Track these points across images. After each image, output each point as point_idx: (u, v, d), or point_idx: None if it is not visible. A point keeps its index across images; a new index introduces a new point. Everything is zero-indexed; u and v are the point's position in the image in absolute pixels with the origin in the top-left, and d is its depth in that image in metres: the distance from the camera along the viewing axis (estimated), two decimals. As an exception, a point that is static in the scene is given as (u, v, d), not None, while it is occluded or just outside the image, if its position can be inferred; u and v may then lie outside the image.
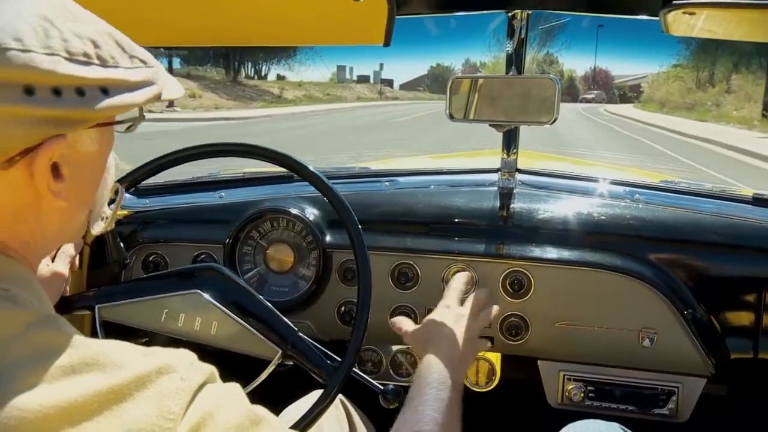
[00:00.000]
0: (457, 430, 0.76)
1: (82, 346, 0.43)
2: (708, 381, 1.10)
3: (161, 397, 0.42)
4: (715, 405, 1.14)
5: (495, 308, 1.00)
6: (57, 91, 0.42)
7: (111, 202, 0.80)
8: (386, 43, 0.98)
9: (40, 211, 0.49)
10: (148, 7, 0.94)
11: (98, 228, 0.59)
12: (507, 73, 1.13)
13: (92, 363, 0.42)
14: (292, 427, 0.81)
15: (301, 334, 0.89)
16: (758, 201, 1.21)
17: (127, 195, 1.23)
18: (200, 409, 0.44)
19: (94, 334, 0.94)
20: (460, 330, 0.90)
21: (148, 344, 0.87)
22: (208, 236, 1.17)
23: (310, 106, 30.52)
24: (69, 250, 0.94)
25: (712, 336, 1.10)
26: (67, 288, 0.91)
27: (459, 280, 1.01)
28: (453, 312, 0.93)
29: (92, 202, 0.57)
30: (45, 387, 0.40)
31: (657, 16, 0.90)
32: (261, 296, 0.92)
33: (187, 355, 0.48)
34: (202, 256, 1.15)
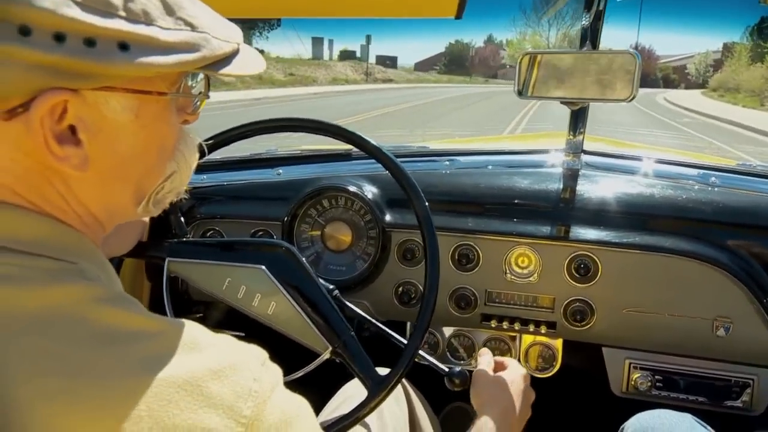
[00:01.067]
0: None
1: (154, 329, 0.42)
2: None
3: (236, 396, 0.41)
4: None
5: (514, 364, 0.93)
6: (59, 37, 0.38)
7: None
8: (458, 16, 0.98)
9: (63, 178, 0.45)
10: None
11: (142, 214, 0.53)
12: (581, 48, 1.10)
13: (165, 348, 0.41)
14: (333, 424, 0.80)
15: (353, 334, 0.86)
16: None
17: None
18: (272, 418, 0.42)
19: (158, 285, 0.97)
20: (519, 396, 0.84)
21: (201, 319, 0.84)
22: (265, 213, 1.17)
23: (242, 92, 20.64)
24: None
25: None
26: (145, 234, 0.91)
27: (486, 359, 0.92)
28: (514, 375, 0.87)
29: (139, 182, 0.51)
30: (117, 372, 0.38)
31: None
32: (323, 287, 0.88)
33: (259, 353, 0.46)
34: (260, 233, 1.14)
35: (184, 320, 0.45)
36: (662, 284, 1.08)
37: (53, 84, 0.40)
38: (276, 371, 0.46)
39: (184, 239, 1.02)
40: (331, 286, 0.92)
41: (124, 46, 0.40)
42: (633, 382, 1.13)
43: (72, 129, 0.43)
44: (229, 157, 1.35)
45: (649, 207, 1.13)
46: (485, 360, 0.92)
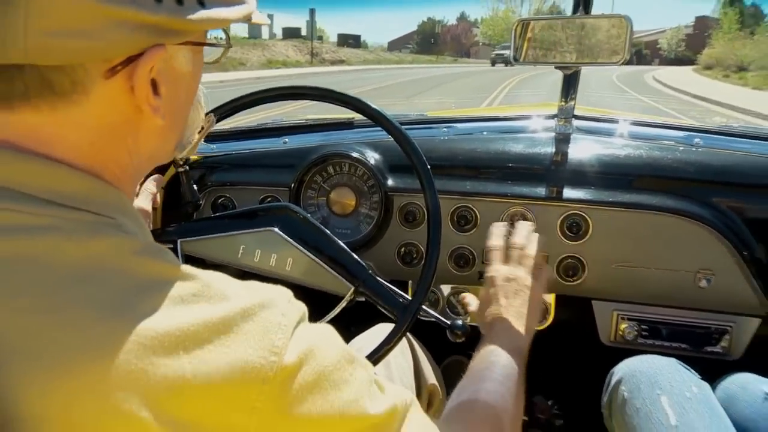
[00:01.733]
0: (518, 400, 0.73)
1: (188, 277, 0.44)
2: (762, 322, 1.13)
3: (266, 331, 0.43)
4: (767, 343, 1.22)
5: (540, 254, 0.92)
6: None
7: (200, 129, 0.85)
8: None
9: (139, 130, 0.48)
10: None
11: (183, 152, 0.59)
12: (574, 13, 1.10)
13: (199, 294, 0.43)
14: (370, 354, 0.81)
15: (371, 272, 0.90)
16: None
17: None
18: (301, 345, 0.45)
19: None
20: (514, 293, 0.84)
21: None
22: (273, 180, 1.20)
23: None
24: (151, 187, 0.97)
25: None
26: (150, 223, 0.94)
27: (495, 237, 0.89)
28: (501, 273, 0.86)
29: (184, 125, 0.57)
30: (158, 315, 0.40)
31: None
32: (332, 236, 0.93)
33: (284, 292, 0.49)
34: (269, 199, 1.17)
35: (212, 270, 0.48)
36: (649, 240, 1.13)
37: (155, 41, 0.43)
38: (301, 306, 0.49)
39: (192, 220, 1.07)
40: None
41: (201, 2, 0.45)
42: (620, 332, 1.18)
43: (154, 84, 0.46)
44: (237, 127, 1.39)
45: (636, 168, 1.16)
46: (517, 251, 0.87)
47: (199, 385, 0.40)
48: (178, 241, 0.92)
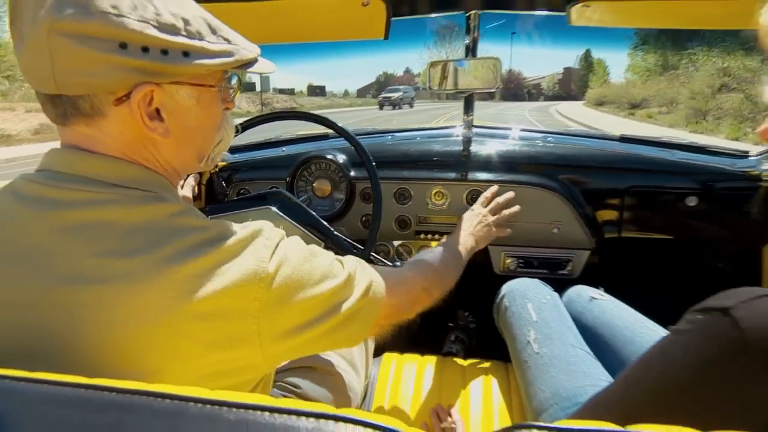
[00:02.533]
0: (449, 271, 0.89)
1: (204, 224, 0.50)
2: (591, 252, 1.33)
3: (256, 249, 0.50)
4: (595, 266, 1.34)
5: (515, 208, 1.21)
6: (145, 49, 0.46)
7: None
8: (386, 37, 1.14)
9: (154, 143, 0.52)
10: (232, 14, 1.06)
11: (203, 167, 0.63)
12: (466, 56, 1.29)
13: (214, 235, 0.49)
14: None
15: (336, 232, 1.08)
16: (623, 139, 1.46)
17: (226, 152, 1.48)
18: (280, 253, 0.51)
19: None
20: (476, 220, 1.09)
21: None
22: (276, 175, 1.40)
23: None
24: (191, 182, 1.13)
25: (595, 224, 1.32)
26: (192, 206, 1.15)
27: (489, 191, 1.21)
28: (475, 211, 1.13)
29: (202, 146, 0.58)
30: (187, 251, 0.46)
31: (564, 11, 1.03)
32: (310, 210, 1.09)
33: (267, 223, 0.55)
34: (273, 188, 1.30)
35: (221, 220, 0.54)
36: (522, 204, 1.29)
37: (143, 80, 0.47)
38: (281, 231, 0.55)
39: (218, 201, 1.26)
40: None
41: (186, 54, 0.48)
42: (506, 265, 1.38)
43: (157, 111, 0.50)
44: (252, 142, 1.60)
45: (513, 157, 1.35)
46: (484, 197, 1.21)
47: (217, 290, 0.46)
48: (209, 216, 1.04)
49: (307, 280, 0.53)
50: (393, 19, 1.10)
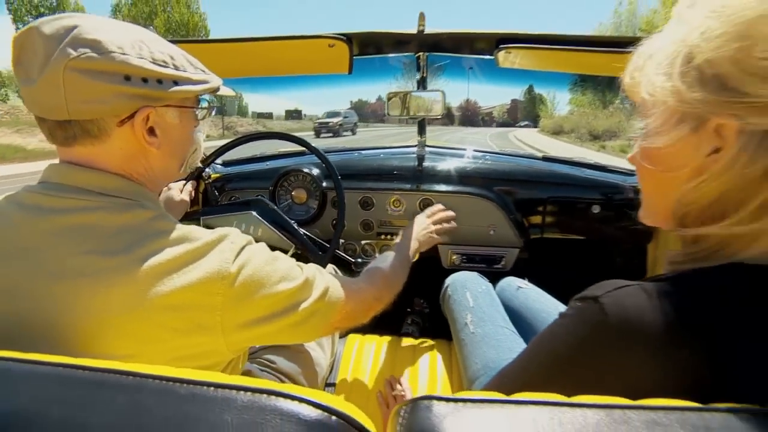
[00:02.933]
0: (398, 277, 0.90)
1: (177, 229, 0.52)
2: (519, 250, 1.42)
3: (221, 251, 0.52)
4: (523, 261, 1.44)
5: (453, 224, 1.22)
6: (145, 80, 0.51)
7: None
8: (349, 72, 1.20)
9: (147, 156, 0.56)
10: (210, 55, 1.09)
11: (182, 173, 0.66)
12: (418, 89, 1.38)
13: (184, 237, 0.51)
14: None
15: (305, 238, 1.13)
16: (545, 159, 1.60)
17: (219, 165, 1.58)
18: (244, 256, 0.53)
19: None
20: (421, 227, 1.12)
21: None
22: (261, 185, 1.45)
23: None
24: (189, 188, 1.16)
25: (522, 227, 1.41)
26: (189, 208, 1.14)
27: (435, 206, 1.22)
28: (421, 219, 1.15)
29: (182, 156, 0.62)
30: (161, 251, 0.49)
31: (493, 54, 1.10)
32: (286, 216, 1.14)
33: (234, 229, 0.56)
34: (258, 195, 1.36)
35: (194, 225, 0.56)
36: (465, 210, 1.37)
37: (144, 104, 0.52)
38: (247, 237, 0.57)
39: (211, 206, 1.31)
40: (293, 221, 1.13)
41: (176, 82, 0.53)
42: (452, 260, 1.46)
43: (151, 129, 0.54)
44: (241, 157, 1.66)
45: (459, 172, 1.43)
46: (431, 209, 1.19)
47: (184, 285, 0.48)
48: (201, 218, 1.15)
49: (267, 281, 0.54)
50: (356, 57, 1.15)
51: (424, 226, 1.13)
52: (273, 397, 0.31)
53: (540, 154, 1.64)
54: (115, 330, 0.47)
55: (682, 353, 0.37)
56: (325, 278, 0.64)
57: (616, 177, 1.50)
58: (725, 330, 0.36)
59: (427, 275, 1.40)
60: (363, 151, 1.68)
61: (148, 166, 0.57)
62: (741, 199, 0.39)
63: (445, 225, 1.20)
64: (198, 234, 0.53)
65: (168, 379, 0.33)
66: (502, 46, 1.04)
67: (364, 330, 1.23)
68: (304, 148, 1.26)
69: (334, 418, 0.30)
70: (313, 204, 1.46)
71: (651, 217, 0.49)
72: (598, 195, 1.40)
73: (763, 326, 0.36)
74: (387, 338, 1.16)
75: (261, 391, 0.32)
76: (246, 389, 0.32)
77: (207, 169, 1.39)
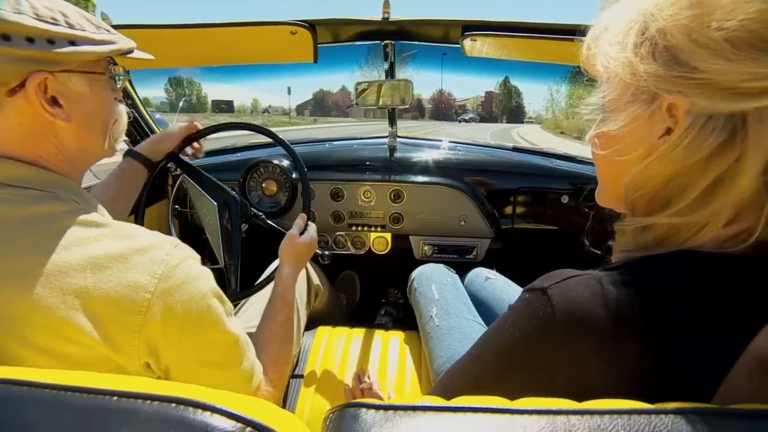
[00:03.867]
0: (288, 341, 0.78)
1: (100, 223, 0.46)
2: (491, 240, 1.43)
3: (152, 263, 0.46)
4: (495, 251, 1.45)
5: (312, 228, 0.99)
6: (30, 39, 0.44)
7: (187, 145, 0.95)
8: (315, 60, 1.13)
9: (55, 131, 0.49)
10: (169, 40, 1.06)
11: (108, 150, 0.59)
12: (386, 78, 1.34)
13: (107, 234, 0.46)
14: (257, 284, 0.94)
15: (236, 264, 1.04)
16: (515, 149, 1.61)
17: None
18: (179, 275, 0.47)
19: (181, 221, 1.26)
20: (290, 247, 0.93)
21: (203, 240, 0.98)
22: (231, 177, 1.41)
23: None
24: (196, 145, 1.05)
25: (493, 218, 1.42)
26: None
27: (301, 219, 0.98)
28: (288, 240, 0.93)
29: (102, 129, 0.55)
30: (74, 247, 0.44)
31: (458, 43, 1.07)
32: (240, 230, 1.08)
33: (173, 240, 0.49)
34: (230, 186, 1.25)
35: (127, 222, 0.49)
36: (436, 201, 1.38)
37: (34, 69, 0.45)
38: (185, 249, 0.50)
39: (179, 198, 1.23)
40: (261, 215, 1.10)
41: (72, 42, 0.47)
42: (424, 251, 1.47)
43: (54, 99, 0.48)
44: (212, 149, 1.62)
45: (430, 163, 1.43)
46: (296, 224, 0.94)
47: (98, 296, 0.42)
48: (183, 175, 1.09)
49: (198, 314, 0.50)
50: (320, 45, 1.10)
51: (293, 244, 0.94)
52: (182, 406, 0.28)
53: (509, 145, 1.65)
54: (28, 332, 0.43)
55: (627, 347, 0.35)
56: (250, 353, 0.60)
57: (586, 168, 1.51)
58: (669, 323, 0.35)
59: (399, 266, 1.40)
60: (334, 142, 1.66)
61: (59, 144, 0.50)
62: (685, 186, 0.37)
63: (315, 237, 1.01)
64: (128, 232, 0.47)
65: (62, 388, 0.29)
66: (467, 33, 1.01)
67: (334, 322, 1.24)
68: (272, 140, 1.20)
69: (249, 430, 0.27)
70: (283, 196, 1.44)
71: (604, 200, 0.48)
72: (567, 185, 1.41)
73: (706, 319, 0.35)
74: (357, 330, 1.16)
75: (169, 400, 0.28)
76: (152, 398, 0.28)
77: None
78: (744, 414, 0.27)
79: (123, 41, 0.54)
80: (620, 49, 0.39)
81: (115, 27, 0.60)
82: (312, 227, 0.97)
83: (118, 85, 0.57)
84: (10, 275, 0.42)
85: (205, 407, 0.28)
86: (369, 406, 0.30)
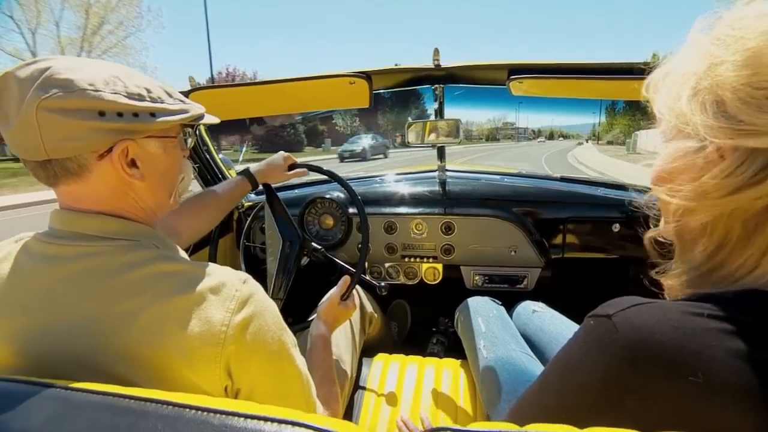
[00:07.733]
0: (334, 383, 0.80)
1: (184, 271, 0.50)
2: (541, 269, 1.41)
3: (224, 300, 0.49)
4: (545, 281, 1.43)
5: (356, 297, 1.02)
6: (120, 114, 0.49)
7: (259, 193, 1.08)
8: (370, 105, 1.18)
9: (133, 189, 0.54)
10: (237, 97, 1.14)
11: (173, 203, 0.63)
12: (436, 117, 1.36)
13: (191, 279, 0.50)
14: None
15: (284, 295, 1.08)
16: (563, 179, 1.57)
17: (252, 194, 1.54)
18: (248, 310, 0.50)
19: (245, 253, 1.29)
20: (325, 306, 0.96)
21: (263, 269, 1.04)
22: (290, 212, 1.35)
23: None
24: (298, 171, 1.13)
25: (543, 247, 1.40)
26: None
27: (344, 282, 1.00)
28: (329, 300, 0.97)
29: (170, 186, 0.59)
30: (161, 295, 0.48)
31: (505, 84, 1.10)
32: (294, 260, 1.10)
33: (243, 275, 0.53)
34: (294, 219, 1.33)
35: (202, 262, 0.53)
36: (486, 232, 1.39)
37: (120, 138, 0.50)
38: (254, 285, 0.53)
39: (245, 233, 1.32)
40: (321, 248, 1.14)
41: (153, 114, 0.52)
42: (475, 281, 1.47)
43: (133, 161, 0.53)
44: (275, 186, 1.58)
45: (478, 194, 1.44)
46: (339, 285, 0.98)
47: (183, 328, 0.47)
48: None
49: (271, 345, 0.53)
50: (375, 91, 1.16)
51: (328, 304, 0.97)
52: (297, 428, 0.31)
53: (557, 175, 1.63)
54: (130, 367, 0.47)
55: (687, 381, 0.35)
56: (312, 388, 0.63)
57: (634, 195, 1.47)
58: (724, 365, 0.34)
59: (451, 296, 1.40)
60: (384, 178, 1.71)
61: (138, 199, 0.56)
62: (749, 230, 0.39)
63: (354, 295, 1.04)
64: (201, 274, 0.51)
65: (176, 405, 0.33)
66: (513, 77, 1.04)
67: (387, 349, 1.26)
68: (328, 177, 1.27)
69: None
70: (340, 228, 1.48)
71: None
72: (617, 213, 1.38)
73: (756, 368, 0.34)
74: (412, 358, 1.16)
75: (286, 422, 0.32)
76: (272, 420, 0.32)
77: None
78: None
79: (194, 109, 0.58)
80: (675, 100, 0.42)
81: (202, 88, 0.69)
82: (355, 296, 0.98)
83: (188, 145, 0.63)
84: (119, 319, 0.47)
85: (302, 425, 0.31)
86: (452, 431, 0.32)
